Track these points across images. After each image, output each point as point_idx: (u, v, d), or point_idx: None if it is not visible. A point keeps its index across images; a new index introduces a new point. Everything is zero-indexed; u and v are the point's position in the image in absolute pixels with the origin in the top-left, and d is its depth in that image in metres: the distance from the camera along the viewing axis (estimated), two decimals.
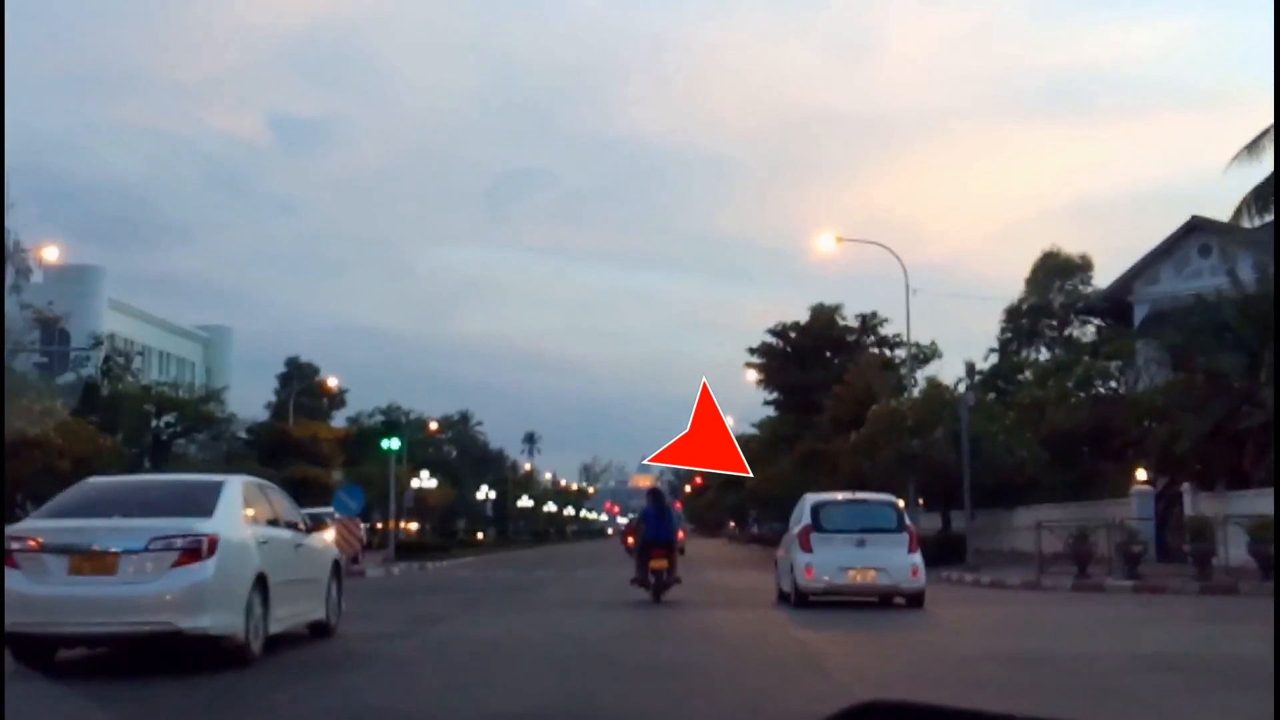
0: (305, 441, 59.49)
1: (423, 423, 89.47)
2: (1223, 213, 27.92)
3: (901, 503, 20.18)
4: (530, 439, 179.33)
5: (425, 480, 57.19)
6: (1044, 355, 43.52)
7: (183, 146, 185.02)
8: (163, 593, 9.21)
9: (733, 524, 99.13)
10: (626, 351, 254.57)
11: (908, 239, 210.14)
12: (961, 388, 35.43)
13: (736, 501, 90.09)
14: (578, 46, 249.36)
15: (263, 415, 71.00)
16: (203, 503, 10.07)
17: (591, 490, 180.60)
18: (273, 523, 11.21)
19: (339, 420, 78.17)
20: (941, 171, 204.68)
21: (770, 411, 55.61)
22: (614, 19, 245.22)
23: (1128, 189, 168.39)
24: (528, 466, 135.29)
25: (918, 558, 16.56)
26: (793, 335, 46.95)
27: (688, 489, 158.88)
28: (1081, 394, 36.12)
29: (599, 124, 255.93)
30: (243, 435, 62.78)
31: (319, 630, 12.17)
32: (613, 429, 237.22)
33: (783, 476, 51.28)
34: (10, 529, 9.75)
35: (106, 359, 54.39)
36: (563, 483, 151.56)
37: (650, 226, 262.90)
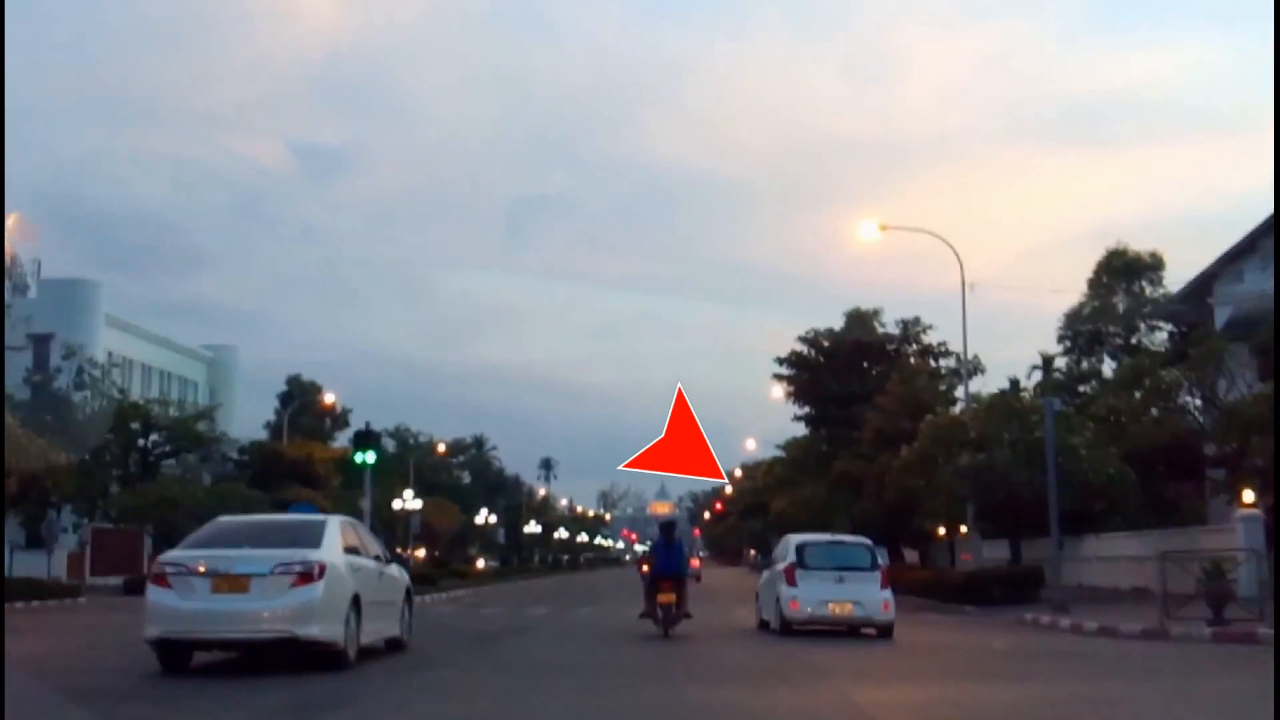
0: (300, 462, 54.62)
1: (430, 445, 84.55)
2: None
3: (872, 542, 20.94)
4: (547, 465, 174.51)
5: (410, 502, 51.57)
6: (1108, 365, 38.20)
7: (206, 173, 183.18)
8: (284, 607, 11.38)
9: (753, 552, 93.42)
10: (646, 378, 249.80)
11: (927, 264, 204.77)
12: (1029, 383, 30.09)
13: (758, 529, 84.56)
14: (596, 73, 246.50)
15: (261, 435, 66.40)
16: (312, 536, 12.26)
17: (608, 517, 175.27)
18: (361, 553, 13.18)
19: (341, 441, 73.44)
20: (962, 196, 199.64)
21: (798, 430, 50.44)
22: (633, 46, 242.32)
23: (1150, 213, 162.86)
24: (542, 492, 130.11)
25: (888, 593, 18.16)
26: (826, 343, 41.77)
27: (707, 515, 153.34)
28: (1159, 406, 30.82)
29: (618, 150, 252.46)
30: (234, 456, 58.09)
31: (394, 645, 14.22)
32: (633, 455, 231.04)
33: (812, 501, 45.99)
34: (163, 557, 12.34)
35: (80, 371, 50.07)
36: (579, 509, 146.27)
37: (670, 252, 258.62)
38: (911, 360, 40.20)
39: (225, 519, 13.90)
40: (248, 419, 74.60)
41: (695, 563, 51.64)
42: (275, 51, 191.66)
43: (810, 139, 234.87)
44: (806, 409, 42.52)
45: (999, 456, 26.70)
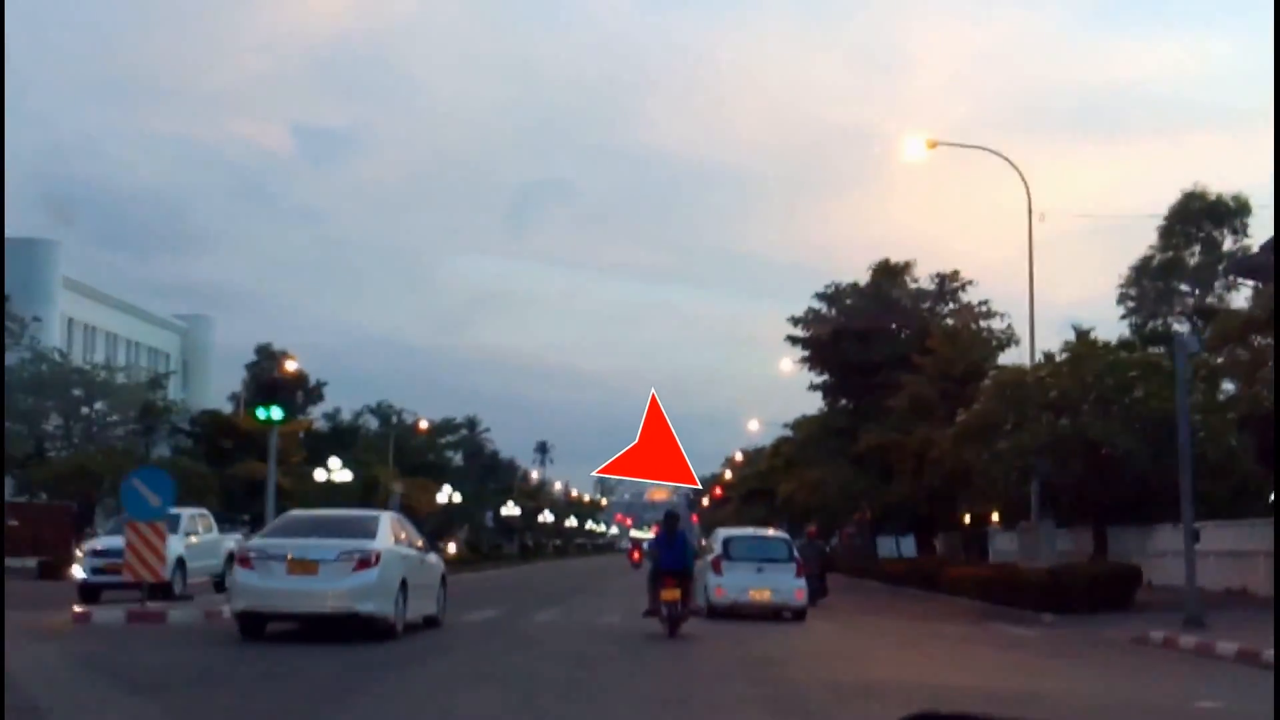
0: (256, 435, 48.24)
1: (413, 424, 78.11)
2: None
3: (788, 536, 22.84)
4: (543, 448, 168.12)
5: (338, 472, 43.85)
6: (1183, 326, 31.79)
7: (209, 154, 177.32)
8: (346, 587, 13.47)
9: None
10: (647, 365, 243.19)
11: (936, 255, 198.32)
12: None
13: (761, 515, 78.29)
14: (602, 60, 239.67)
15: (226, 408, 60.15)
16: (368, 529, 14.38)
17: (604, 502, 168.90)
18: (407, 544, 15.12)
19: (315, 416, 67.15)
20: (968, 188, 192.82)
21: (808, 407, 44.04)
22: (638, 33, 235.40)
23: (1158, 208, 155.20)
24: (535, 475, 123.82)
25: (802, 582, 19.92)
26: (849, 300, 35.41)
27: (705, 501, 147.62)
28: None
29: (623, 137, 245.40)
30: (184, 427, 51.83)
31: (431, 622, 15.75)
32: (631, 442, 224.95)
33: (830, 483, 39.57)
34: (247, 544, 15.87)
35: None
36: (573, 494, 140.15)
37: (673, 240, 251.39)
38: (949, 321, 33.80)
39: (295, 513, 16.31)
40: (223, 392, 68.61)
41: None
42: (280, 33, 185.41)
43: (815, 129, 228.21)
44: (824, 377, 36.01)
45: (1090, 421, 20.32)
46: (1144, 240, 32.46)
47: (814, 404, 42.86)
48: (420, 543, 15.81)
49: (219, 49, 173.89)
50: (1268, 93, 20.15)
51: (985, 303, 33.58)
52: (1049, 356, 23.50)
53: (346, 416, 68.44)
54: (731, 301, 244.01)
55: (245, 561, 13.77)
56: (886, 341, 34.08)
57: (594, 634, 16.45)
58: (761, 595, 18.93)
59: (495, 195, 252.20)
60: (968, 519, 37.59)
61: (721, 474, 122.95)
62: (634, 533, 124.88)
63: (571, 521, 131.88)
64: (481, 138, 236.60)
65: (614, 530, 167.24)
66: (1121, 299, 34.25)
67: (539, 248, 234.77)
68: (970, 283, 34.70)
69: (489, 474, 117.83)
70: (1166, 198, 33.62)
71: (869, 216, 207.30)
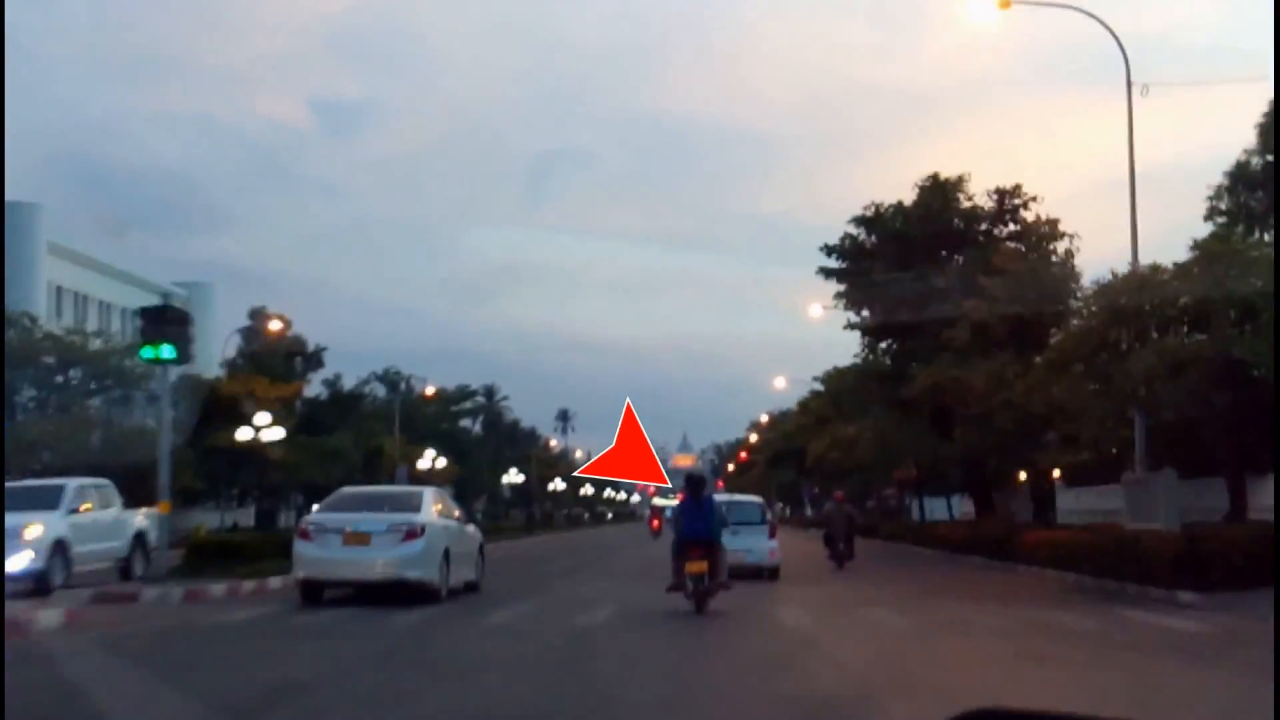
0: (240, 400, 43.58)
1: (421, 391, 73.33)
2: None
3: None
4: (564, 416, 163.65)
5: (271, 433, 37.83)
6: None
7: (226, 130, 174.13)
8: (396, 557, 14.52)
9: (782, 505, 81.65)
10: (668, 332, 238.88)
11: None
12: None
13: (788, 479, 73.31)
14: (617, 24, 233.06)
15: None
16: (414, 503, 15.52)
17: None
18: (448, 517, 16.19)
19: (315, 385, 62.54)
20: (991, 144, 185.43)
21: (844, 355, 38.91)
22: None
23: (1187, 159, 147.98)
24: (553, 443, 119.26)
25: (775, 543, 20.83)
26: (894, 223, 30.09)
27: (730, 467, 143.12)
28: None
29: (640, 103, 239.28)
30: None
31: (471, 587, 16.59)
32: (655, 409, 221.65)
33: (872, 437, 34.44)
34: (306, 518, 16.25)
35: None
36: (580, 457, 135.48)
37: (693, 205, 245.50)
38: (1008, 243, 28.48)
39: (348, 490, 17.52)
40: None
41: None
42: (294, 6, 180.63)
43: (835, 88, 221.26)
44: (864, 314, 30.73)
45: (1234, 335, 15.13)
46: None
47: (847, 354, 37.82)
48: (460, 514, 17.13)
49: (233, 25, 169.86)
50: None
51: (1054, 222, 28.16)
52: (1157, 270, 18.23)
53: (350, 384, 63.56)
54: (754, 265, 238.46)
55: (305, 535, 14.95)
56: (938, 269, 28.84)
57: (571, 638, 11.55)
58: (736, 557, 18.29)
59: (513, 165, 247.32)
60: (1023, 476, 32.60)
61: (746, 439, 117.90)
62: (656, 500, 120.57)
63: (588, 490, 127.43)
64: (499, 107, 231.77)
65: (635, 498, 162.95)
66: (1210, 214, 28.78)
67: (558, 217, 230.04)
68: (1034, 199, 29.33)
69: (508, 443, 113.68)
70: (1194, 148, 27.69)
71: (891, 173, 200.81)
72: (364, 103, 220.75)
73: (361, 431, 60.79)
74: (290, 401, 46.56)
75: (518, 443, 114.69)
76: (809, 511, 79.10)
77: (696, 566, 13.95)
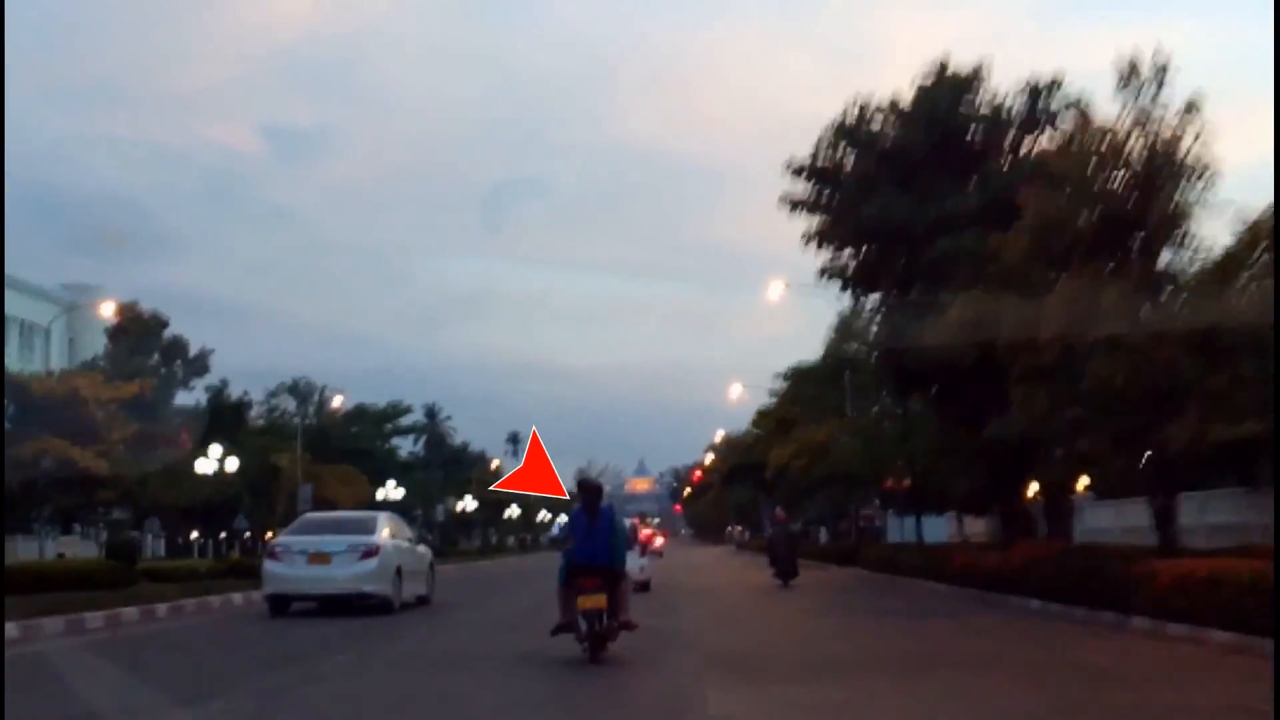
0: (62, 404, 33.81)
1: (331, 405, 63.29)
2: None
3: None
4: (514, 439, 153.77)
5: (205, 461, 28.15)
6: None
7: (176, 157, 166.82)
8: (354, 573, 16.11)
9: (738, 528, 71.88)
10: (626, 359, 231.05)
11: None
12: None
13: (745, 499, 64.06)
14: (574, 55, 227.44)
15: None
16: (369, 526, 17.22)
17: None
18: (400, 538, 17.79)
19: (198, 394, 52.55)
20: None
21: (811, 349, 29.85)
22: (610, 27, 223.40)
23: None
24: (496, 464, 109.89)
25: (646, 560, 22.97)
26: (886, 128, 21.19)
27: (687, 491, 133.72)
28: None
29: (596, 133, 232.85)
30: None
31: (422, 600, 18.26)
32: (612, 435, 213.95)
33: (852, 439, 25.23)
34: (275, 540, 17.85)
35: None
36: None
37: (650, 235, 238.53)
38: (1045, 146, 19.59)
39: (311, 515, 20.11)
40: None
41: (652, 538, 38.48)
42: (246, 34, 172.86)
43: (788, 121, 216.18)
44: (846, 252, 21.43)
45: None
46: None
47: (814, 348, 28.80)
48: (411, 536, 18.96)
49: (183, 53, 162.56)
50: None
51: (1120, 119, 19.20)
52: None
53: (242, 393, 53.55)
54: (711, 294, 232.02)
55: (274, 555, 16.65)
56: (948, 188, 19.92)
57: None
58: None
59: (470, 193, 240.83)
60: (1034, 488, 23.74)
61: (702, 460, 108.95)
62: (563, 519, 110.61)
63: (545, 515, 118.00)
64: (453, 136, 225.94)
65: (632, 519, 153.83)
66: None
67: (515, 245, 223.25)
68: (1079, 102, 20.33)
69: (452, 466, 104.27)
70: None
71: None
72: (317, 130, 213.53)
73: (248, 447, 50.85)
74: (134, 404, 36.68)
75: (463, 465, 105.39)
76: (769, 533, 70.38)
77: (591, 601, 10.71)
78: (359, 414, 71.81)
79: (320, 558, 16.06)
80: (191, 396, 52.58)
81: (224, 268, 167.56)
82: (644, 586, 20.21)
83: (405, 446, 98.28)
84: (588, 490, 11.34)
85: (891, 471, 26.34)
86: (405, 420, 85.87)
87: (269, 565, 16.45)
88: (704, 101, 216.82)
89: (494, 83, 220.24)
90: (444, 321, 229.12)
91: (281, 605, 16.23)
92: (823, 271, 21.36)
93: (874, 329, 20.97)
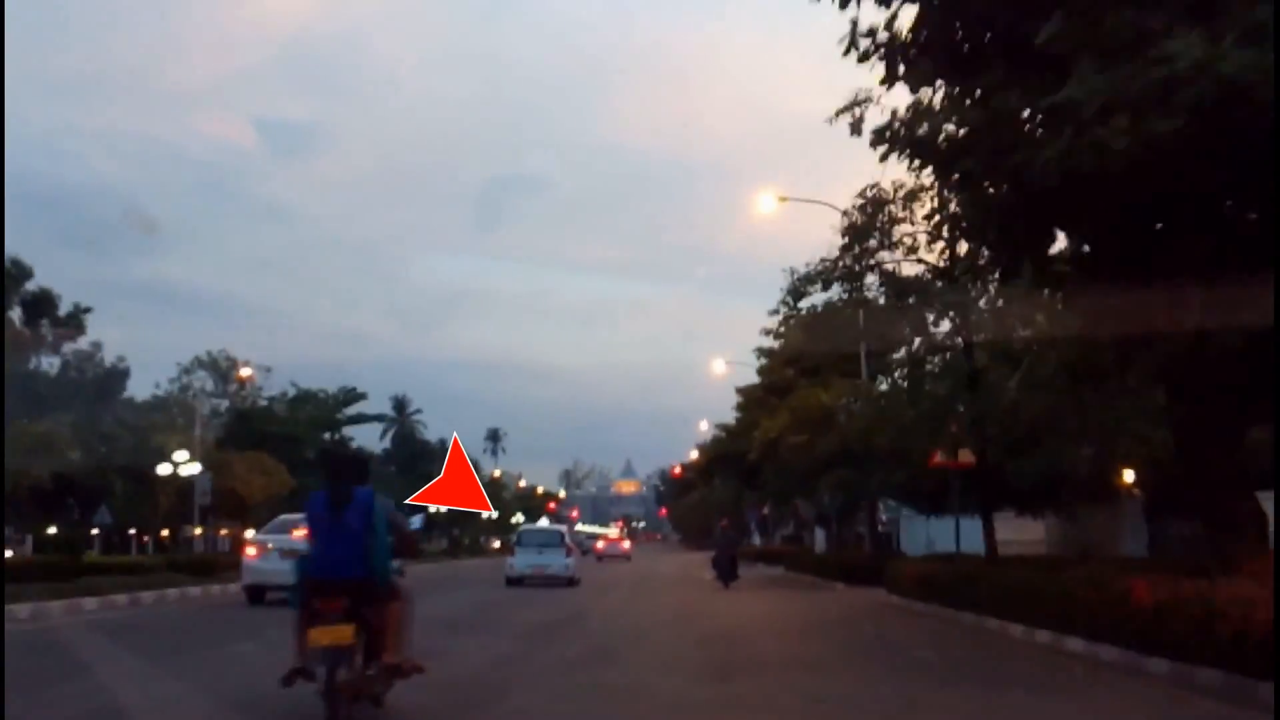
0: None
1: (240, 375, 52.77)
2: None
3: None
4: (494, 437, 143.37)
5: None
6: None
7: (171, 151, 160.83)
8: None
9: (725, 523, 61.49)
10: (617, 360, 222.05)
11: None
12: None
13: (731, 495, 53.80)
14: (569, 54, 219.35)
15: None
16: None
17: (562, 495, 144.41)
18: None
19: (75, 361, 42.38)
20: None
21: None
22: (606, 26, 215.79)
23: None
24: (496, 472, 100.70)
25: (571, 560, 27.06)
26: None
27: (669, 491, 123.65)
28: None
29: (592, 132, 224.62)
30: None
31: None
32: (600, 436, 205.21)
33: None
34: (254, 535, 20.67)
35: None
36: (521, 484, 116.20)
37: (644, 235, 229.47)
38: None
39: (286, 516, 20.63)
40: None
41: (619, 541, 39.93)
42: (242, 27, 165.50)
43: (785, 121, 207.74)
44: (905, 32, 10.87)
45: None
46: None
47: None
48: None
49: (178, 47, 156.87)
50: None
51: None
52: None
53: (116, 359, 43.28)
54: (706, 296, 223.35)
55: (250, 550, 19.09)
56: None
57: None
58: (538, 569, 25.86)
59: (463, 191, 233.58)
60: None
61: (687, 457, 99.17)
62: (580, 527, 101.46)
63: (519, 518, 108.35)
64: (449, 133, 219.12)
65: (561, 526, 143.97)
66: None
67: (509, 244, 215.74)
68: None
69: (419, 461, 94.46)
70: None
71: (840, 207, 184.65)
72: (312, 126, 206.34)
73: (127, 426, 40.85)
74: None
75: (428, 460, 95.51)
76: (757, 540, 59.85)
77: (330, 635, 6.28)
78: (304, 399, 61.89)
79: (293, 553, 17.53)
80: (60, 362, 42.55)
81: (216, 261, 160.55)
82: (573, 581, 25.41)
83: (364, 439, 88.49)
84: (336, 465, 6.88)
85: (945, 439, 15.91)
86: (363, 409, 75.22)
87: (247, 561, 18.98)
88: (700, 101, 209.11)
89: (489, 81, 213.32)
90: (433, 318, 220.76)
91: (258, 594, 18.53)
92: (883, 81, 10.86)
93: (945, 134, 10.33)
